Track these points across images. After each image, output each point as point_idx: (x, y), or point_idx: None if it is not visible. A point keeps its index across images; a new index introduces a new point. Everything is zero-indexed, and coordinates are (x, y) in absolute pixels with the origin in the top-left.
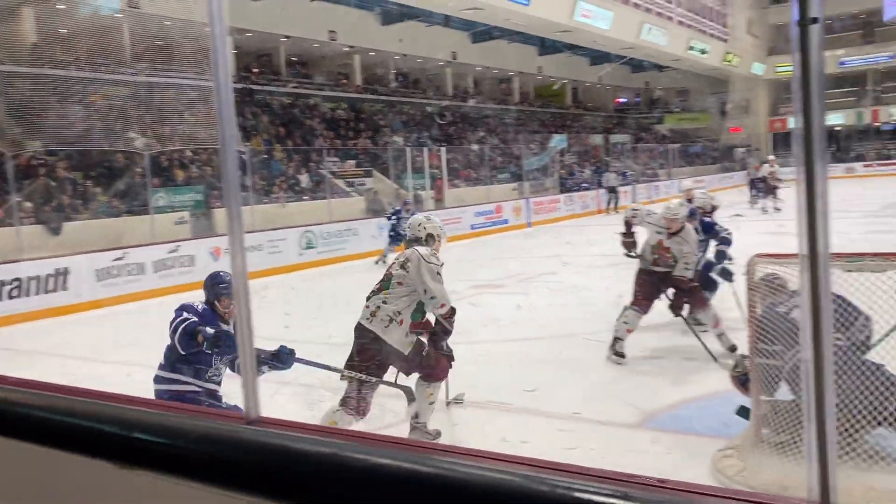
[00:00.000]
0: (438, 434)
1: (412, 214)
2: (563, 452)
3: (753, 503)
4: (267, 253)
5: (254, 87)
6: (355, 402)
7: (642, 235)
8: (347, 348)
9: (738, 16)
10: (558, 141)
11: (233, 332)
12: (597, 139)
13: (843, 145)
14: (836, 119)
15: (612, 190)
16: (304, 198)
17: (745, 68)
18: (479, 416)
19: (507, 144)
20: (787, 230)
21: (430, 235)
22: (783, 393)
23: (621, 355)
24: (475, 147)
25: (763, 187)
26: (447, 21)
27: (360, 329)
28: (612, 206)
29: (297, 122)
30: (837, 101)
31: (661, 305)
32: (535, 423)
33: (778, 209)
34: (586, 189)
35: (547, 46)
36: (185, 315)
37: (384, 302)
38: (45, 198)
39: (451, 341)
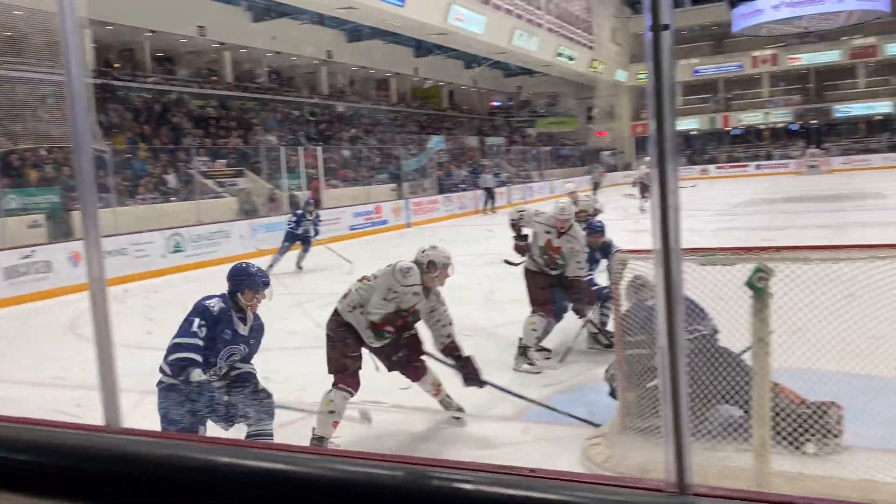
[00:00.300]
0: (460, 410)
1: (316, 217)
2: (439, 447)
3: (615, 487)
4: (133, 257)
5: (115, 82)
6: (345, 380)
7: (529, 237)
8: None
9: (602, 24)
10: (436, 142)
11: (245, 332)
12: (473, 141)
13: (698, 148)
14: (691, 124)
15: (489, 190)
16: (172, 199)
17: (609, 75)
18: (354, 416)
19: (385, 145)
20: (646, 227)
21: (431, 262)
22: (650, 381)
23: (532, 363)
24: (348, 149)
25: (640, 188)
26: (321, 20)
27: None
28: (489, 206)
29: (163, 119)
30: (693, 106)
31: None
32: (409, 419)
33: None
34: (464, 190)
35: (423, 48)
36: (193, 332)
37: (356, 290)
38: None
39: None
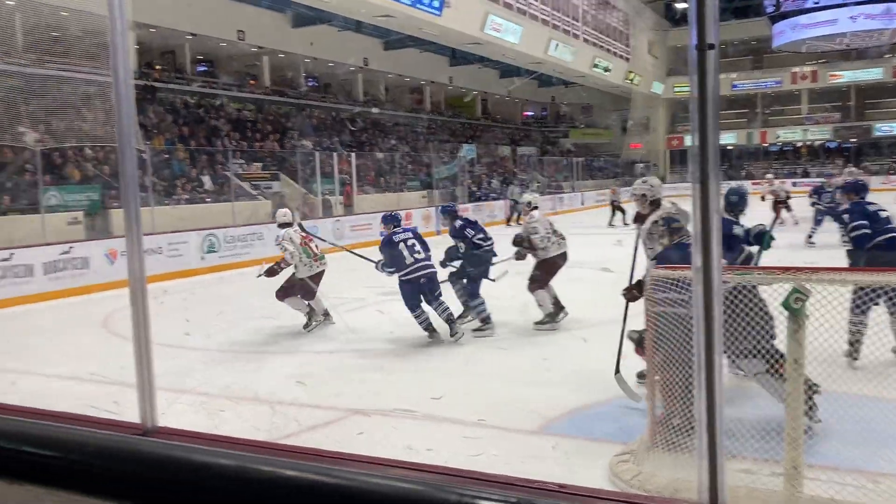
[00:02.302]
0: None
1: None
2: (468, 459)
3: None
4: (167, 256)
5: (156, 84)
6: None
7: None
8: (252, 356)
9: (639, 37)
10: (467, 151)
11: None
12: (505, 150)
13: (735, 164)
14: (728, 139)
15: (515, 203)
16: (207, 200)
17: (645, 87)
18: (385, 424)
19: (417, 152)
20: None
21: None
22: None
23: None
24: (381, 154)
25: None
26: (359, 27)
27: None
28: (514, 216)
29: (201, 121)
30: (730, 121)
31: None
32: (440, 430)
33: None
34: (494, 199)
35: (458, 57)
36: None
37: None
38: None
39: (356, 349)
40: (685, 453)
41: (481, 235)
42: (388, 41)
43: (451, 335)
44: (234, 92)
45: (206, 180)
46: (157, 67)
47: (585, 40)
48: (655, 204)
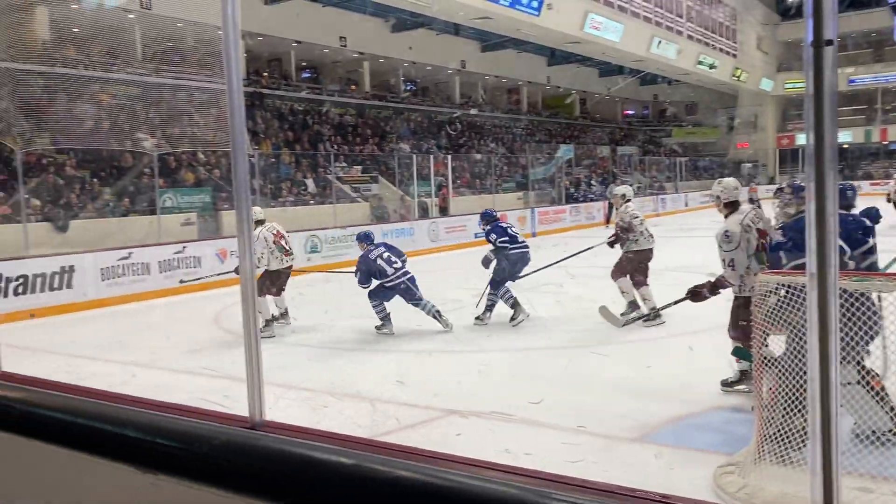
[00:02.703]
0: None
1: None
2: (566, 465)
3: None
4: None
5: (264, 90)
6: None
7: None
8: (354, 354)
9: (747, 32)
10: (565, 151)
11: None
12: (604, 151)
13: (852, 163)
14: (844, 137)
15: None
16: (311, 202)
17: (753, 84)
18: (482, 426)
19: (513, 154)
20: None
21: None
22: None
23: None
24: (479, 156)
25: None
26: (457, 30)
27: None
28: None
29: (305, 126)
30: (847, 118)
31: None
32: (538, 435)
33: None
34: (592, 200)
35: (556, 57)
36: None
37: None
38: (53, 195)
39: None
40: (795, 467)
41: (505, 238)
42: (485, 43)
43: (444, 326)
44: (337, 97)
45: (310, 183)
46: (265, 74)
47: (690, 37)
48: (731, 206)
